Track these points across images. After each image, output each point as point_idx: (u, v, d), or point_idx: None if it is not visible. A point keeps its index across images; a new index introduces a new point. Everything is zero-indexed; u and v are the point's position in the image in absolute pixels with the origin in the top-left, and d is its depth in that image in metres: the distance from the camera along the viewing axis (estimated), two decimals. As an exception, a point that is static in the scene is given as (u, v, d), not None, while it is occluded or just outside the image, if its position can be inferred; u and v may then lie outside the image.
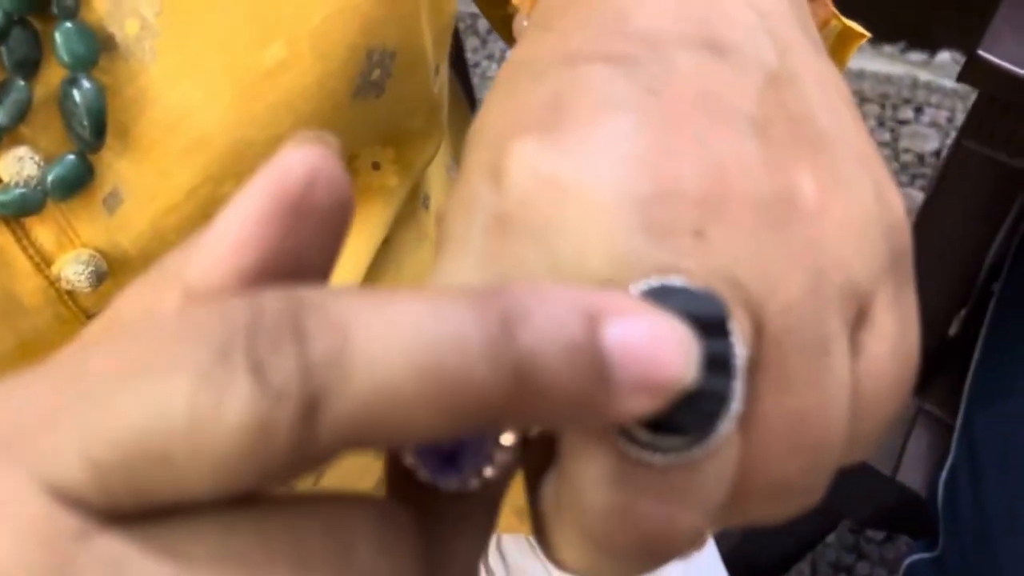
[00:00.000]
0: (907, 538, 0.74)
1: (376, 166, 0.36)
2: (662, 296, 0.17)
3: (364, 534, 0.15)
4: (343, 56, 0.30)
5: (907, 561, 0.64)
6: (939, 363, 0.70)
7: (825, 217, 0.19)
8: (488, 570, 0.50)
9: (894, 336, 0.19)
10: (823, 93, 0.21)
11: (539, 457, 0.19)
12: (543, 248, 0.18)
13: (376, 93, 0.32)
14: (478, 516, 0.19)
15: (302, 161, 0.16)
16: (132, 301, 0.17)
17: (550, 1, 0.23)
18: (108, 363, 0.14)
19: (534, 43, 0.22)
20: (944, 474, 0.64)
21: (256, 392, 0.13)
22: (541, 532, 0.19)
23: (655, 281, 0.17)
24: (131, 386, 0.14)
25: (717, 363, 0.16)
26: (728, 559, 0.57)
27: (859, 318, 0.19)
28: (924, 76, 1.40)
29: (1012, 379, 0.61)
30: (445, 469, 0.18)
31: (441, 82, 0.37)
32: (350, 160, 0.35)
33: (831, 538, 1.06)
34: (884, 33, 1.40)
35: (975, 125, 0.57)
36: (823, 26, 0.27)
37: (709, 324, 0.16)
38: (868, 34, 0.28)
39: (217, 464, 0.13)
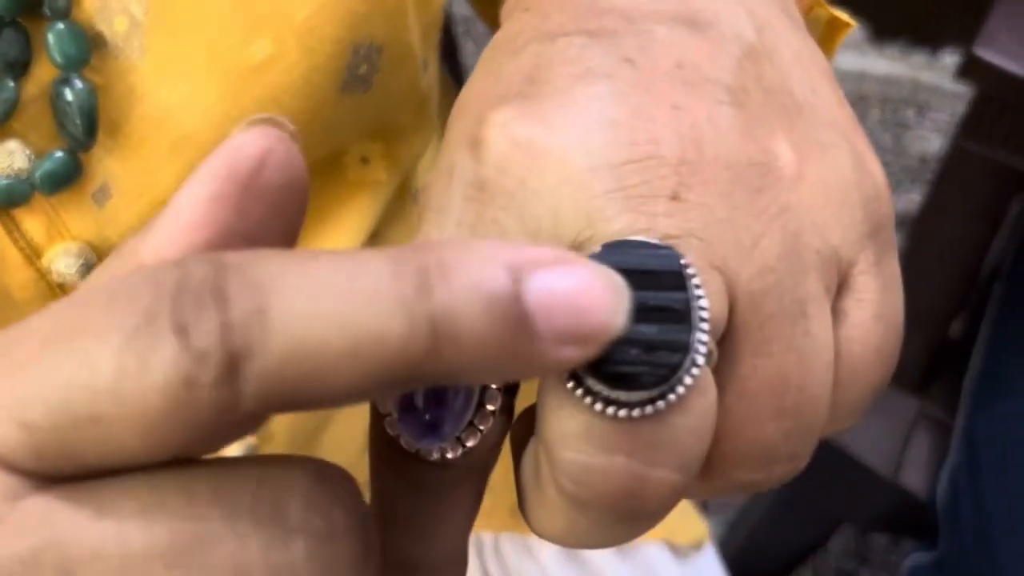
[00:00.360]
0: (910, 543, 0.74)
1: (365, 160, 0.36)
2: (619, 251, 0.17)
3: (297, 492, 0.15)
4: (329, 51, 0.30)
5: (907, 563, 0.64)
6: (940, 364, 0.70)
7: (802, 183, 0.19)
8: (485, 571, 0.50)
9: (876, 302, 0.19)
10: (801, 67, 0.21)
11: (525, 435, 0.20)
12: (520, 212, 0.18)
13: (363, 88, 0.32)
14: (463, 489, 0.19)
15: (253, 142, 0.16)
16: (88, 286, 0.17)
17: None
18: (42, 329, 0.15)
19: (514, 23, 0.22)
20: (944, 475, 0.64)
21: (179, 352, 0.13)
22: (523, 503, 0.19)
23: (617, 238, 0.17)
24: (60, 349, 0.14)
25: (676, 315, 0.16)
26: (730, 564, 0.57)
27: (841, 286, 0.19)
28: (926, 78, 1.40)
29: (1012, 380, 0.61)
30: (427, 436, 0.18)
31: (431, 77, 0.37)
32: (340, 155, 0.36)
33: (834, 543, 1.05)
34: (886, 34, 1.40)
35: (973, 125, 0.57)
36: (807, 11, 0.27)
37: (667, 277, 0.16)
38: (854, 23, 0.28)
39: (144, 424, 0.14)
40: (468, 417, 0.18)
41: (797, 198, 0.19)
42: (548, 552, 0.50)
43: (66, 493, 0.14)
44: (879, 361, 0.20)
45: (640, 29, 0.20)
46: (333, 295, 0.14)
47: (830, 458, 0.69)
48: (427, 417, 0.18)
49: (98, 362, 0.14)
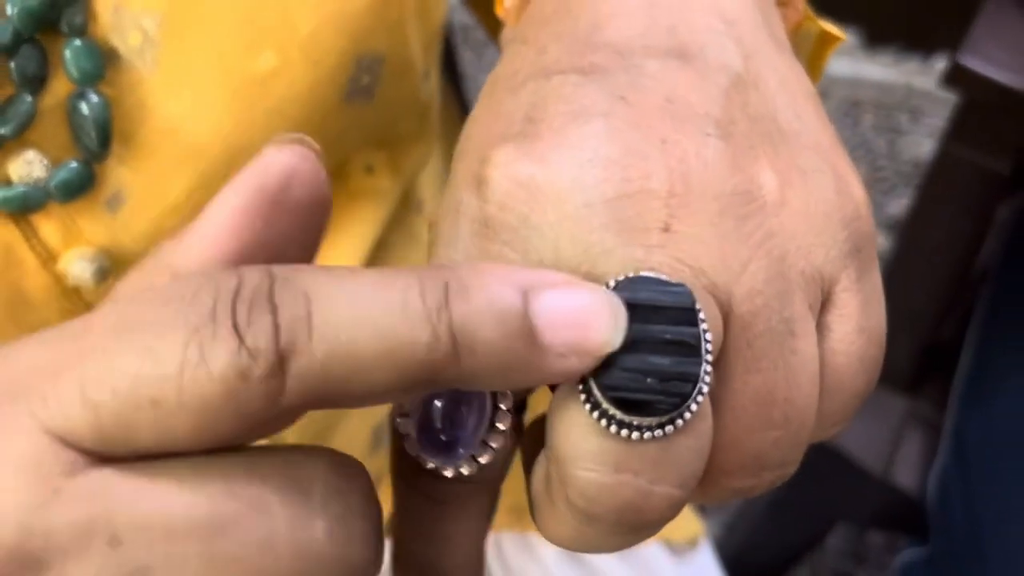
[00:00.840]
0: (906, 542, 0.75)
1: (370, 169, 0.37)
2: (633, 286, 0.18)
3: (319, 478, 0.17)
4: (333, 63, 0.31)
5: (900, 559, 0.65)
6: (930, 365, 0.71)
7: (785, 208, 0.20)
8: (486, 569, 0.51)
9: (858, 316, 0.21)
10: (786, 93, 0.22)
11: (533, 448, 0.21)
12: (523, 246, 0.20)
13: (366, 98, 0.33)
14: (479, 499, 0.21)
15: (281, 160, 0.18)
16: (128, 286, 0.19)
17: (531, 14, 0.24)
18: (108, 322, 0.16)
19: (513, 57, 0.23)
20: (934, 474, 0.65)
21: (236, 348, 0.15)
22: (535, 512, 0.21)
23: (631, 273, 0.18)
24: (129, 338, 0.16)
25: (686, 347, 0.18)
26: (728, 565, 0.58)
27: (824, 303, 0.21)
28: (919, 83, 1.41)
29: (1000, 380, 0.62)
30: (444, 455, 0.20)
31: (431, 87, 0.38)
32: (344, 164, 0.37)
33: (831, 543, 1.06)
34: (879, 41, 1.42)
35: (959, 130, 0.59)
36: (795, 29, 0.28)
37: (678, 312, 0.18)
38: (843, 36, 0.29)
39: (200, 410, 0.16)
40: (481, 436, 0.20)
41: (781, 223, 0.20)
42: (548, 550, 0.51)
43: (119, 470, 0.16)
44: (863, 370, 0.21)
45: (631, 64, 0.21)
46: (369, 305, 0.16)
47: (823, 458, 0.70)
48: (443, 438, 0.20)
49: (164, 353, 0.15)
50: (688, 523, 0.56)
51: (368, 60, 0.32)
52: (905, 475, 0.69)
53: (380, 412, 0.42)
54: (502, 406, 0.20)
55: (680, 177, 0.19)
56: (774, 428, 0.19)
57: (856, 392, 0.21)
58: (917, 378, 0.71)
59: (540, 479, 0.20)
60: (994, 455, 0.61)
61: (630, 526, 0.19)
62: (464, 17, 1.14)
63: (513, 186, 0.20)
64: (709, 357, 0.18)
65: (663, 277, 0.18)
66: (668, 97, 0.20)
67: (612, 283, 0.18)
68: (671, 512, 0.19)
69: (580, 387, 0.18)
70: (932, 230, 0.62)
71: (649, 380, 0.17)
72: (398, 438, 0.20)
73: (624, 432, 0.18)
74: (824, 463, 0.70)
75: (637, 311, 0.18)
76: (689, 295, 0.18)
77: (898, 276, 0.65)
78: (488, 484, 0.21)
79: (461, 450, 0.20)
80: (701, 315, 0.18)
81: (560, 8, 0.23)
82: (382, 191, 0.38)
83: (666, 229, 0.19)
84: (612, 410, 0.18)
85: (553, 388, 0.20)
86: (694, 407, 0.18)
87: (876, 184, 1.30)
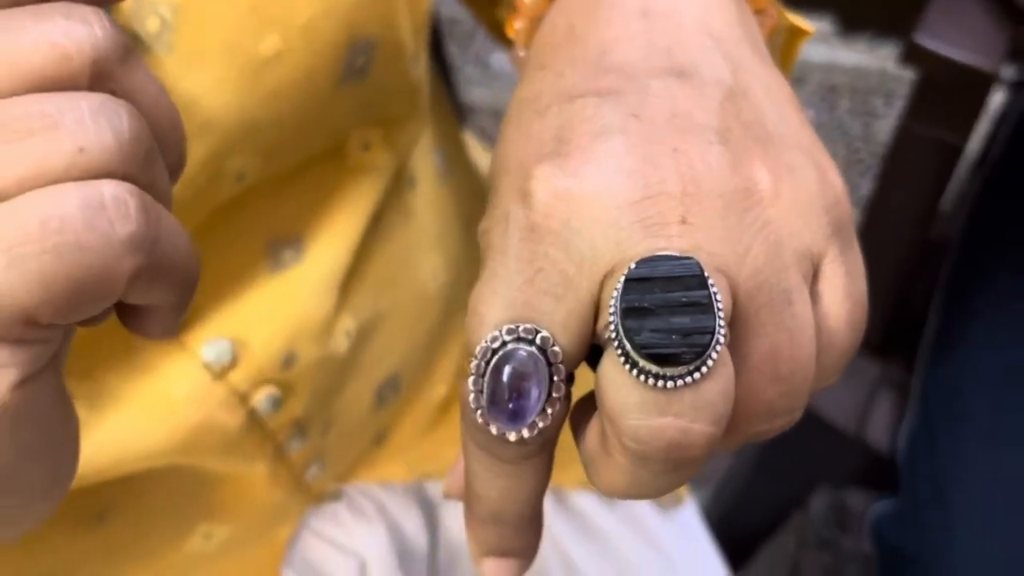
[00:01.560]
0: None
1: (366, 146, 0.41)
2: (652, 263, 0.22)
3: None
4: (329, 49, 0.34)
5: (872, 512, 0.68)
6: (901, 332, 0.74)
7: (778, 200, 0.24)
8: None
9: (844, 284, 0.25)
10: (770, 99, 0.26)
11: (580, 418, 0.25)
12: (566, 247, 0.23)
13: (360, 79, 0.36)
14: (538, 458, 0.25)
15: None
16: None
17: (544, 39, 0.28)
18: None
19: (533, 81, 0.27)
20: (903, 432, 0.69)
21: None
22: (590, 468, 0.24)
23: (648, 254, 0.22)
24: None
25: (701, 307, 0.21)
26: (716, 530, 0.61)
27: (815, 275, 0.25)
28: (893, 68, 1.45)
29: (962, 338, 0.65)
30: (511, 422, 0.24)
31: (421, 69, 0.41)
32: (343, 142, 0.40)
33: (815, 511, 1.10)
34: (855, 27, 1.45)
35: (918, 107, 0.62)
36: (771, 34, 0.31)
37: (691, 279, 0.22)
38: (812, 30, 0.33)
39: None
40: (541, 405, 0.23)
41: (775, 213, 0.24)
42: (545, 504, 0.54)
43: None
44: (851, 329, 0.25)
45: (639, 86, 0.25)
46: None
47: (801, 422, 0.74)
48: (511, 407, 0.23)
49: None
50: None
51: (362, 44, 0.35)
52: (877, 435, 0.73)
53: (382, 375, 0.46)
54: (556, 379, 0.23)
55: (691, 180, 0.23)
56: (782, 382, 0.23)
57: (846, 348, 0.25)
58: (888, 344, 0.75)
59: (595, 439, 0.24)
60: (955, 409, 0.64)
61: (675, 463, 0.22)
62: (449, 10, 1.17)
63: (554, 198, 0.24)
64: (722, 315, 0.22)
65: (676, 254, 0.22)
66: (673, 112, 0.24)
67: (634, 264, 0.22)
68: (708, 447, 0.22)
69: (619, 351, 0.22)
70: (894, 203, 0.66)
71: (673, 337, 0.21)
72: (470, 411, 0.24)
73: (660, 383, 0.21)
74: (802, 426, 0.74)
75: (657, 283, 0.21)
76: (698, 265, 0.22)
77: (865, 247, 0.68)
78: (546, 445, 0.25)
79: (526, 418, 0.23)
80: (711, 281, 0.22)
81: (568, 34, 0.27)
82: (378, 166, 0.41)
83: (683, 222, 0.23)
84: (647, 365, 0.21)
85: (593, 367, 0.24)
86: (714, 355, 0.21)
87: (852, 166, 1.33)
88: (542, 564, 0.53)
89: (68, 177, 0.19)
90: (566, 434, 0.59)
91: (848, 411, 0.73)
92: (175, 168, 0.22)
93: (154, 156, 0.21)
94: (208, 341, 0.37)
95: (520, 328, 0.23)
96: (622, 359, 0.22)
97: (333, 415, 0.43)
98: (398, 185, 0.44)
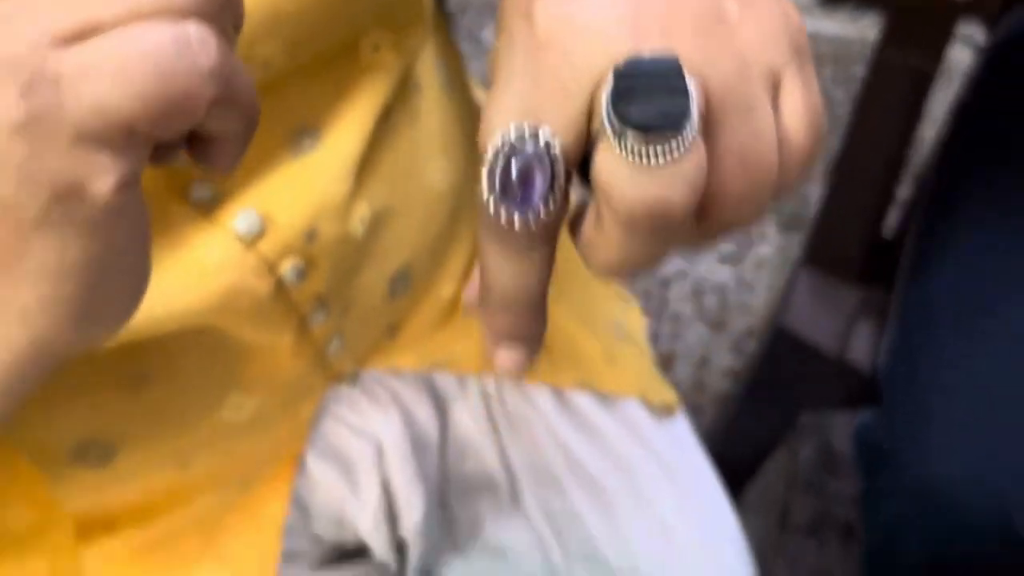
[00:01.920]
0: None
1: (376, 48, 0.45)
2: (639, 62, 0.26)
3: None
4: None
5: (856, 421, 0.72)
6: (882, 260, 0.78)
7: (743, 25, 0.28)
8: (491, 417, 0.58)
9: (801, 95, 0.29)
10: None
11: (576, 224, 0.29)
12: (563, 59, 0.27)
13: None
14: (542, 247, 0.29)
15: None
16: None
17: None
18: None
19: None
20: (883, 348, 0.73)
21: None
22: (586, 251, 0.28)
23: (633, 56, 0.26)
24: None
25: (678, 91, 0.26)
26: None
27: (777, 88, 0.28)
28: (874, 37, 1.49)
29: (938, 253, 0.69)
30: (520, 208, 0.27)
31: None
32: (356, 43, 0.44)
33: (804, 456, 1.14)
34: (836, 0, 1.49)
35: (890, 35, 0.66)
36: None
37: (669, 71, 0.26)
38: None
39: None
40: (545, 195, 0.27)
41: (741, 36, 0.27)
42: (544, 399, 0.57)
43: None
44: (810, 133, 0.29)
45: None
46: None
47: (785, 347, 0.77)
48: (519, 196, 0.27)
49: None
50: (662, 389, 0.63)
51: None
52: (860, 356, 0.76)
53: (394, 267, 0.49)
54: (557, 172, 0.27)
55: (666, 4, 0.27)
56: (749, 175, 0.27)
57: (806, 151, 0.29)
58: (868, 270, 0.78)
59: (590, 223, 0.28)
60: (931, 321, 0.68)
61: (660, 227, 0.26)
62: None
63: (554, 20, 0.27)
64: (695, 105, 0.25)
65: (657, 55, 0.26)
66: None
67: (623, 63, 0.26)
68: (685, 212, 0.26)
69: (611, 131, 0.25)
70: (871, 128, 0.70)
71: (656, 113, 0.25)
72: (484, 202, 0.27)
73: (645, 160, 0.25)
74: (785, 351, 0.78)
75: (642, 76, 0.25)
76: (676, 60, 0.26)
77: (843, 173, 0.72)
78: (548, 236, 0.29)
79: (532, 203, 0.27)
80: (686, 73, 0.26)
81: None
82: (387, 66, 0.45)
83: (663, 35, 0.27)
84: (635, 144, 0.25)
85: (585, 178, 0.27)
86: (690, 136, 0.25)
87: (836, 130, 1.37)
88: (542, 452, 0.56)
89: (158, 17, 0.23)
90: (562, 340, 0.62)
91: (831, 335, 0.77)
92: (236, 24, 0.27)
93: (227, 7, 0.25)
94: (239, 213, 0.40)
95: (526, 128, 0.27)
96: (613, 139, 0.25)
97: (351, 298, 0.47)
98: (405, 88, 0.48)
